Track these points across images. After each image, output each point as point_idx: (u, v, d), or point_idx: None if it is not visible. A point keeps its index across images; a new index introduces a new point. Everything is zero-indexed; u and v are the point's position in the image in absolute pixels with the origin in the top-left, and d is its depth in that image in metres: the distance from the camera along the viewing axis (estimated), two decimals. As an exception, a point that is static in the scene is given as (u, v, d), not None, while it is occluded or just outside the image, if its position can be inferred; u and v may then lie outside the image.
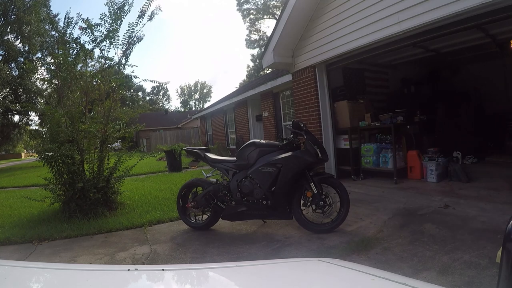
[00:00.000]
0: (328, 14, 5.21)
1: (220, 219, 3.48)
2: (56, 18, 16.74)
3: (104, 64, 4.85)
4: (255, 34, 36.50)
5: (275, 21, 6.96)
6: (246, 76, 44.24)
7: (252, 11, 34.39)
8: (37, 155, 4.73)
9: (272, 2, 32.96)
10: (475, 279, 2.02)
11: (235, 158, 3.47)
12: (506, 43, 5.68)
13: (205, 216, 3.62)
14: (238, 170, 3.37)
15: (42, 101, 18.13)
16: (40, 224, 4.14)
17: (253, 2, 33.79)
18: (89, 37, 4.54)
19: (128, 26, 4.64)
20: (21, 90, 19.37)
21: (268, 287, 0.88)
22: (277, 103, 9.91)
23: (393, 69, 7.41)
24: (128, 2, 4.56)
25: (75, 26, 5.22)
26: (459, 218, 3.17)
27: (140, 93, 51.06)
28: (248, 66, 44.86)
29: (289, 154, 3.16)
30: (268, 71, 12.78)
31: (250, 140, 3.99)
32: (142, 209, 4.62)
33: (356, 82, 6.62)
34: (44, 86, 16.67)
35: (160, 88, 55.38)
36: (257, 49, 37.72)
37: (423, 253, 2.48)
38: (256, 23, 35.29)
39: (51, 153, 4.22)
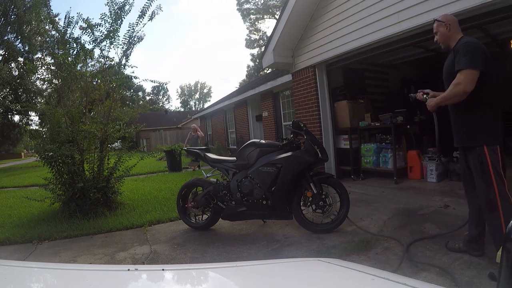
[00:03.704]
0: (328, 14, 5.21)
1: (220, 219, 3.48)
2: (57, 18, 16.78)
3: (104, 64, 4.86)
4: (255, 34, 36.56)
5: (275, 21, 6.96)
6: (246, 76, 44.25)
7: (252, 11, 34.40)
8: (37, 155, 4.73)
9: (272, 2, 32.98)
10: (475, 279, 2.02)
11: (235, 158, 3.47)
12: (506, 43, 5.68)
13: (205, 216, 3.62)
14: (238, 170, 3.37)
15: (42, 101, 18.12)
16: (40, 224, 4.14)
17: (253, 2, 33.83)
18: (90, 37, 4.56)
19: (129, 26, 4.65)
20: (21, 90, 19.37)
21: (268, 287, 0.88)
22: (277, 103, 9.91)
23: (393, 69, 7.41)
24: (128, 2, 4.58)
25: (76, 26, 5.24)
26: (459, 218, 3.17)
27: (140, 93, 51.06)
28: (248, 66, 44.89)
29: (289, 154, 3.17)
30: (268, 71, 12.78)
31: (250, 140, 3.99)
32: (142, 209, 4.62)
33: (356, 82, 6.62)
34: (44, 86, 16.67)
35: (160, 88, 55.42)
36: (257, 49, 37.76)
37: (423, 253, 2.48)
38: (256, 23, 35.32)
39: (51, 153, 4.22)
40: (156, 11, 4.68)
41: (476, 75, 2.04)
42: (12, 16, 18.48)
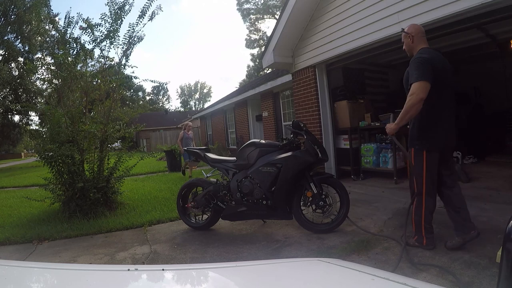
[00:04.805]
0: (328, 14, 5.21)
1: (220, 219, 3.48)
2: (57, 18, 16.80)
3: (104, 64, 4.86)
4: (255, 34, 36.53)
5: (275, 21, 6.96)
6: (246, 76, 44.25)
7: (252, 11, 34.38)
8: (37, 155, 4.73)
9: (272, 2, 32.96)
10: (475, 279, 2.03)
11: (235, 158, 3.47)
12: (506, 43, 5.68)
13: (205, 216, 3.62)
14: (238, 170, 3.37)
15: (42, 101, 18.14)
16: (40, 224, 4.14)
17: (253, 2, 33.81)
18: (90, 37, 4.56)
19: (129, 26, 4.66)
20: (21, 90, 19.39)
21: (268, 287, 0.88)
22: (277, 103, 9.91)
23: (393, 69, 7.40)
24: (128, 2, 4.58)
25: (76, 25, 5.24)
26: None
27: (140, 93, 51.04)
28: (248, 66, 44.90)
29: (289, 154, 3.16)
30: (268, 71, 12.78)
31: (250, 140, 3.99)
32: (142, 209, 4.62)
33: (356, 82, 6.62)
34: (44, 86, 16.66)
35: (160, 88, 55.41)
36: (257, 49, 37.74)
37: (423, 253, 2.48)
38: (256, 23, 35.31)
39: (51, 153, 4.22)
40: (156, 11, 4.69)
41: (427, 85, 2.32)
42: (12, 16, 18.48)
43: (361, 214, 3.63)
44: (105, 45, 4.61)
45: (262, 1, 33.40)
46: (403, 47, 2.69)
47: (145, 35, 5.06)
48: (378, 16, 4.29)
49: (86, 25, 4.53)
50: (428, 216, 2.53)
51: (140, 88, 48.59)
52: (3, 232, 3.85)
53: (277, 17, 10.85)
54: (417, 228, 2.58)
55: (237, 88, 23.10)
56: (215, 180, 3.58)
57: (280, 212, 3.22)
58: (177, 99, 73.82)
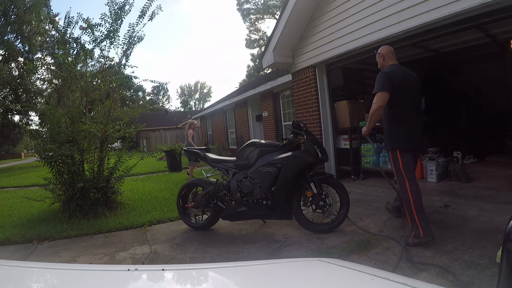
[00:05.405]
0: (328, 14, 5.21)
1: (220, 219, 3.48)
2: (57, 18, 16.80)
3: (104, 64, 4.86)
4: (255, 34, 36.52)
5: (275, 21, 6.96)
6: (246, 76, 44.23)
7: (252, 11, 34.38)
8: (37, 155, 4.73)
9: (272, 2, 32.95)
10: (475, 279, 2.03)
11: (235, 158, 3.47)
12: (506, 43, 5.68)
13: (205, 216, 3.62)
14: (238, 170, 3.37)
15: (42, 101, 18.13)
16: (40, 224, 4.14)
17: (253, 2, 33.80)
18: (90, 37, 4.56)
19: (129, 26, 4.66)
20: (21, 90, 19.38)
21: (268, 287, 0.88)
22: (277, 103, 9.91)
23: (393, 69, 7.38)
24: (128, 2, 4.58)
25: (76, 26, 5.23)
26: (459, 218, 3.17)
27: (140, 93, 51.01)
28: (248, 66, 44.88)
29: (289, 154, 3.16)
30: (268, 71, 12.78)
31: (250, 140, 3.99)
32: (142, 209, 4.62)
33: (356, 82, 6.62)
34: (44, 86, 16.64)
35: (160, 88, 55.38)
36: (257, 49, 37.74)
37: (423, 253, 2.48)
38: (256, 23, 35.30)
39: (51, 153, 4.22)
40: (156, 11, 4.68)
41: (385, 95, 2.74)
42: (12, 16, 18.48)
43: (361, 214, 3.63)
44: (105, 45, 4.62)
45: (262, 1, 33.40)
46: (378, 66, 3.16)
47: (145, 35, 5.06)
48: (378, 16, 4.29)
49: (86, 25, 4.53)
50: (417, 201, 2.68)
51: (140, 88, 48.59)
52: (3, 232, 3.84)
53: (277, 17, 10.86)
54: (411, 220, 2.67)
55: (237, 88, 23.11)
56: (215, 180, 3.58)
57: (280, 212, 3.22)
58: (177, 99, 73.86)
